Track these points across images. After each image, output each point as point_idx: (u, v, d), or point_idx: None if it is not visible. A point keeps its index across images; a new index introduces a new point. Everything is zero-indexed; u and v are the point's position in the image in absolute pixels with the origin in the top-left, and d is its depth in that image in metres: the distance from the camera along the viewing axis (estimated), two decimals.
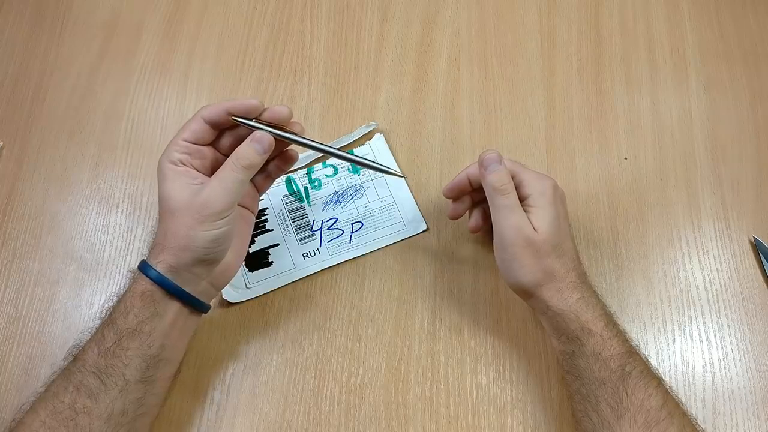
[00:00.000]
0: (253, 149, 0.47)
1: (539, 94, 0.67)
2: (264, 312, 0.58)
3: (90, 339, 0.47)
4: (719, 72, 0.68)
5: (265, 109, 0.48)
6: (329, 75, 0.68)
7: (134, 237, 0.61)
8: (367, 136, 0.64)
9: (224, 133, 0.49)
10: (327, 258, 0.60)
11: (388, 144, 0.64)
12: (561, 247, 0.50)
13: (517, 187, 0.51)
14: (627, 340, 0.49)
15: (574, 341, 0.48)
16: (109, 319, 0.46)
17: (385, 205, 0.62)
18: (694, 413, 0.54)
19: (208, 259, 0.47)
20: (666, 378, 0.56)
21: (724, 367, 0.56)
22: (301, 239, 0.60)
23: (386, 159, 0.63)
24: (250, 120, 0.48)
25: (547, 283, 0.49)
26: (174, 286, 0.46)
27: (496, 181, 0.50)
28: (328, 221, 0.61)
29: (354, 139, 0.64)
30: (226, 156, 0.48)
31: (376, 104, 0.67)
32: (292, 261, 0.60)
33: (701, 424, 0.54)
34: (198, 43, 0.69)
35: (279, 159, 0.52)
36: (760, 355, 0.57)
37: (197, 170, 0.48)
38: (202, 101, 0.66)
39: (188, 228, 0.45)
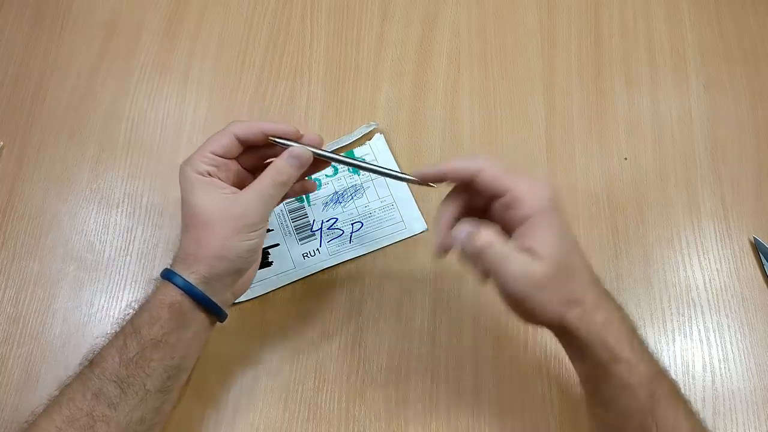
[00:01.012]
0: (290, 164, 0.48)
1: (539, 94, 0.67)
2: (264, 312, 0.58)
3: (109, 346, 0.46)
4: (719, 72, 0.68)
5: (301, 135, 0.49)
6: (329, 75, 0.68)
7: (134, 237, 0.61)
8: (367, 136, 0.64)
9: (249, 149, 0.50)
10: (327, 258, 0.60)
11: (387, 144, 0.64)
12: (572, 265, 0.43)
13: (510, 208, 0.43)
14: (651, 359, 0.44)
15: (599, 368, 0.43)
16: (132, 328, 0.45)
17: (385, 205, 0.62)
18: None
19: (241, 269, 0.47)
20: None
21: (724, 367, 0.56)
22: (301, 239, 0.60)
23: (386, 159, 0.64)
24: (287, 140, 0.49)
25: (569, 311, 0.42)
26: (204, 297, 0.46)
27: (468, 247, 0.43)
28: (328, 221, 0.61)
29: (354, 139, 0.64)
30: (247, 170, 0.49)
31: (376, 104, 0.67)
32: (292, 261, 0.60)
33: None
34: (198, 43, 0.69)
35: (300, 184, 0.53)
36: (760, 355, 0.57)
37: (222, 181, 0.48)
38: (202, 101, 0.66)
39: (224, 238, 0.45)
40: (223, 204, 0.46)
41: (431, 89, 0.67)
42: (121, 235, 0.61)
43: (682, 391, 0.44)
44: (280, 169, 0.47)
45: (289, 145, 0.48)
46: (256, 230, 0.46)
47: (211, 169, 0.47)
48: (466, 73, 0.68)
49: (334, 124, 0.65)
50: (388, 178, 0.60)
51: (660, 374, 0.44)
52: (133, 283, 0.59)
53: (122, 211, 0.62)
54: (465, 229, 0.43)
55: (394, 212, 0.62)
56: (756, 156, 0.64)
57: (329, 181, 0.63)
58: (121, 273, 0.59)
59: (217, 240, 0.45)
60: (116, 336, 0.46)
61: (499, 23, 0.70)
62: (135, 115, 0.66)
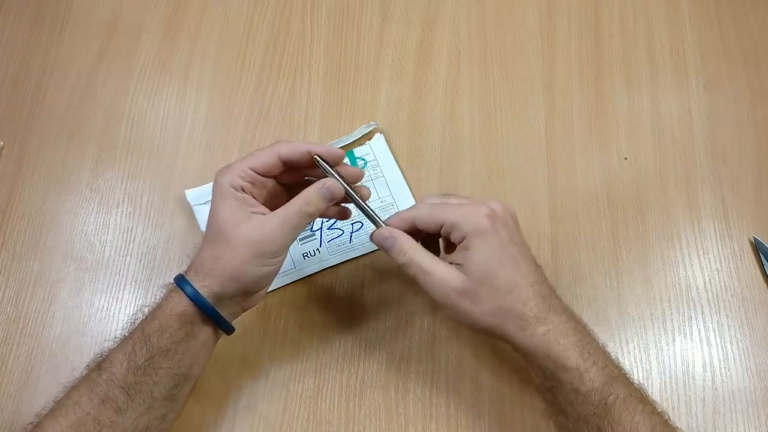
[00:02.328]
0: (321, 196, 0.47)
1: (539, 94, 0.67)
2: (264, 312, 0.58)
3: (117, 350, 0.46)
4: (719, 72, 0.68)
5: (342, 159, 0.50)
6: (329, 75, 0.68)
7: (134, 237, 0.61)
8: (367, 136, 0.64)
9: (290, 168, 0.50)
10: (327, 258, 0.60)
11: (388, 144, 0.64)
12: (508, 281, 0.45)
13: (450, 233, 0.47)
14: (606, 365, 0.45)
15: (550, 378, 0.45)
16: (142, 335, 0.45)
17: (385, 205, 0.62)
18: (694, 413, 0.54)
19: (253, 291, 0.48)
20: (666, 378, 0.56)
21: (724, 367, 0.56)
22: (301, 239, 0.60)
23: (386, 159, 0.63)
24: (330, 167, 0.48)
25: (505, 323, 0.45)
26: (213, 311, 0.46)
27: (395, 257, 0.47)
28: (328, 221, 0.61)
29: (354, 139, 0.64)
30: (284, 187, 0.50)
31: (376, 104, 0.66)
32: (292, 261, 0.60)
33: (701, 424, 0.54)
34: (198, 43, 0.69)
35: (339, 210, 0.53)
36: (760, 355, 0.57)
37: (254, 198, 0.48)
38: (202, 101, 0.66)
39: (242, 261, 0.45)
40: (248, 225, 0.46)
41: (431, 89, 0.67)
42: (121, 235, 0.61)
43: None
44: (309, 200, 0.47)
45: (329, 173, 0.49)
46: (274, 258, 0.47)
47: (246, 185, 0.47)
48: (466, 73, 0.68)
49: (334, 124, 0.65)
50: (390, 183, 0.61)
51: (615, 378, 0.45)
52: (133, 283, 0.59)
53: (122, 211, 0.62)
54: (387, 234, 0.48)
55: (394, 212, 0.61)
56: (756, 156, 0.64)
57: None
58: (121, 273, 0.59)
59: (235, 262, 0.45)
60: (125, 341, 0.46)
61: (499, 23, 0.70)
62: (135, 115, 0.66)
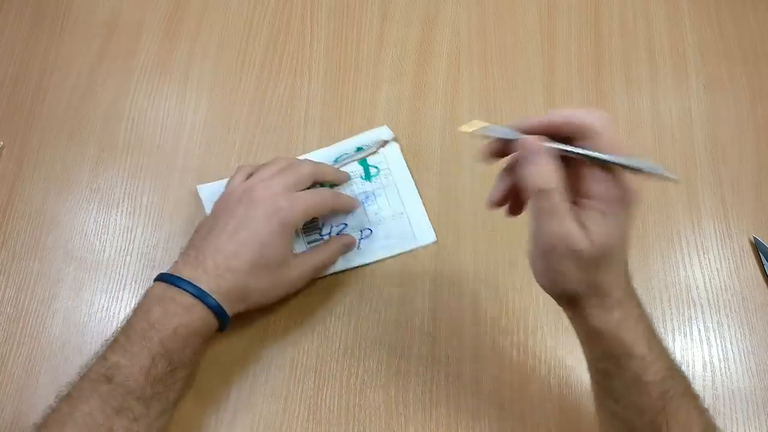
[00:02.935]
0: (342, 251, 0.58)
1: (539, 94, 0.67)
2: (264, 312, 0.58)
3: (131, 361, 0.45)
4: (719, 72, 0.68)
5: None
6: (329, 75, 0.68)
7: (134, 237, 0.61)
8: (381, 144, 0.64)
9: None
10: (335, 265, 0.59)
11: (401, 153, 0.63)
12: (615, 258, 0.42)
13: (580, 180, 0.41)
14: (668, 357, 0.43)
15: (611, 360, 0.43)
16: (163, 349, 0.46)
17: (395, 214, 0.61)
18: None
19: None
20: None
21: (724, 367, 0.56)
22: (309, 242, 0.59)
23: (399, 168, 0.62)
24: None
25: (588, 298, 0.42)
26: (226, 323, 0.51)
27: (530, 177, 0.40)
28: (337, 226, 0.60)
29: (368, 146, 0.63)
30: None
31: (376, 104, 0.66)
32: None
33: None
34: (198, 43, 0.69)
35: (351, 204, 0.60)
36: (760, 355, 0.57)
37: None
38: (203, 101, 0.66)
39: (263, 290, 0.52)
40: (285, 265, 0.53)
41: (431, 89, 0.67)
42: (121, 235, 0.61)
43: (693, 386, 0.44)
44: (333, 255, 0.57)
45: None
46: (287, 293, 0.55)
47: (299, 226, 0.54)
48: (466, 73, 0.68)
49: (335, 124, 0.65)
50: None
51: (674, 371, 0.43)
52: (133, 283, 0.59)
53: (122, 211, 0.62)
54: (537, 148, 0.40)
55: (404, 221, 0.61)
56: (756, 156, 0.64)
57: (341, 187, 0.62)
58: (121, 273, 0.59)
59: (257, 293, 0.51)
60: (141, 351, 0.46)
61: (499, 23, 0.70)
62: (135, 115, 0.66)
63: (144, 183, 0.63)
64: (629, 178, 0.41)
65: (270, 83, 0.67)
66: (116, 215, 0.62)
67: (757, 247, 0.60)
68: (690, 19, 0.70)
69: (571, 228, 0.40)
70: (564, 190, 0.40)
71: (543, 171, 0.40)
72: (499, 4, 0.71)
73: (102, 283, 0.59)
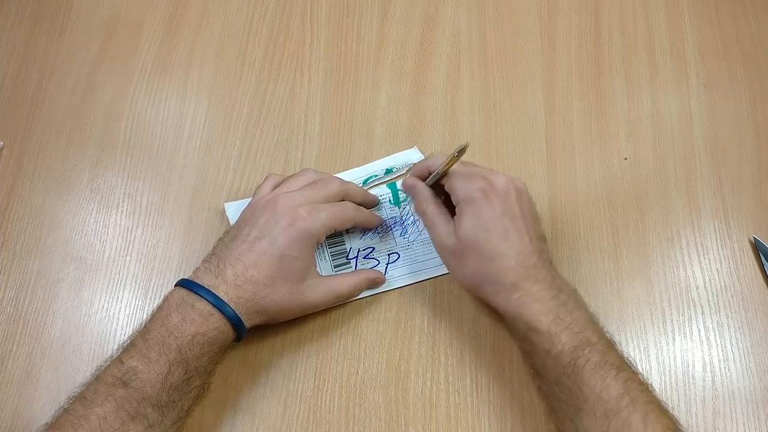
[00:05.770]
0: (366, 285, 0.57)
1: (539, 94, 0.67)
2: None
3: (148, 366, 0.45)
4: (719, 72, 0.68)
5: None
6: (329, 75, 0.68)
7: (134, 237, 0.61)
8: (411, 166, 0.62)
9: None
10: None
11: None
12: (492, 249, 0.49)
13: (450, 195, 0.53)
14: (582, 331, 0.47)
15: (524, 340, 0.49)
16: (180, 357, 0.46)
17: (424, 239, 0.60)
18: (694, 413, 0.54)
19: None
20: (666, 378, 0.56)
21: (724, 367, 0.56)
22: (336, 266, 0.59)
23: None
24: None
25: (482, 286, 0.51)
26: (244, 336, 0.51)
27: (414, 206, 0.55)
28: (364, 250, 0.60)
29: (399, 172, 0.62)
30: None
31: (376, 104, 0.67)
32: None
33: (701, 424, 0.54)
34: (198, 43, 0.69)
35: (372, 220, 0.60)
36: (760, 355, 0.57)
37: None
38: (202, 101, 0.66)
39: (280, 308, 0.52)
40: (306, 281, 0.53)
41: (431, 89, 0.67)
42: (121, 235, 0.61)
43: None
44: (358, 288, 0.57)
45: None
46: (305, 312, 0.55)
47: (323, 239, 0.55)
48: (466, 73, 0.68)
49: (335, 124, 0.65)
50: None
51: (590, 344, 0.46)
52: (133, 283, 0.59)
53: (122, 211, 0.62)
54: (411, 183, 0.55)
55: (431, 247, 0.58)
56: (756, 156, 0.64)
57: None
58: (121, 273, 0.59)
59: (274, 306, 0.51)
60: (158, 358, 0.46)
61: (499, 23, 0.70)
62: (135, 115, 0.66)
63: (144, 183, 0.63)
64: (453, 180, 0.52)
65: (270, 83, 0.67)
66: (116, 215, 0.62)
67: (757, 247, 0.60)
68: (690, 19, 0.70)
69: (441, 231, 0.52)
70: (438, 207, 0.53)
71: (417, 201, 0.55)
72: (499, 4, 0.71)
73: (102, 283, 0.59)
